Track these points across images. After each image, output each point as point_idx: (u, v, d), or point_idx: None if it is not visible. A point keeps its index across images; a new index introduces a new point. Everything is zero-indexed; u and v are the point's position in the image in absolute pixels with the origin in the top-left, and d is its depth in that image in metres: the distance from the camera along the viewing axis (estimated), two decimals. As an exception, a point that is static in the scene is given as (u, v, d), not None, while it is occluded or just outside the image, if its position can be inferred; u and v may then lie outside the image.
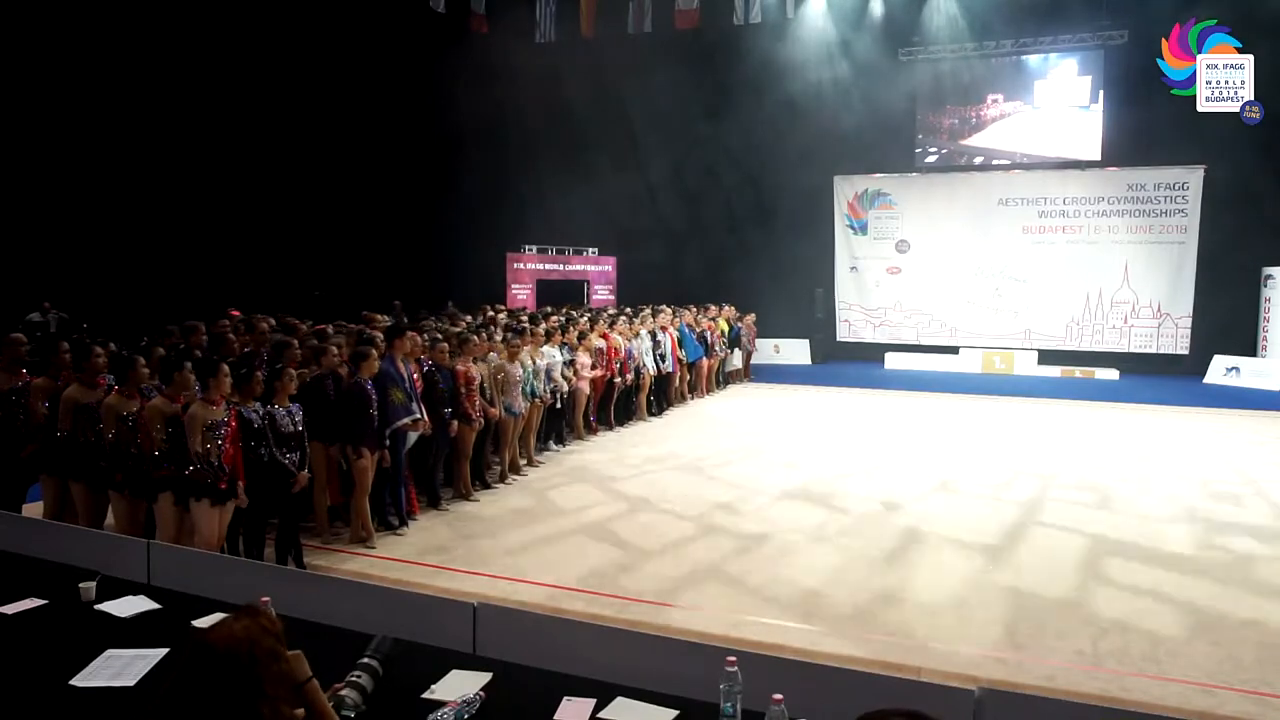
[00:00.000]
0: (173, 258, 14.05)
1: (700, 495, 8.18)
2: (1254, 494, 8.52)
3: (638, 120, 18.85)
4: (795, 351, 19.93)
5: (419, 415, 6.93)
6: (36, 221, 13.61)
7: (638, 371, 11.90)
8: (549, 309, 13.07)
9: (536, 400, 9.12)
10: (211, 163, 15.32)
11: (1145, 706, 3.78)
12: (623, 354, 11.40)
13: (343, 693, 2.52)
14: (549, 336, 9.78)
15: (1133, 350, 18.30)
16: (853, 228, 20.55)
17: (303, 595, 3.29)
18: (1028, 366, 18.46)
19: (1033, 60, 18.87)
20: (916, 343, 19.88)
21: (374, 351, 6.68)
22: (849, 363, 19.61)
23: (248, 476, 5.33)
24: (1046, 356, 18.57)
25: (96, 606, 3.33)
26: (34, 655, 2.95)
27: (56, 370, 5.74)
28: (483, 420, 7.94)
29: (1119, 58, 17.84)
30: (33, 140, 13.49)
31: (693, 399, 14.17)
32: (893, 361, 19.47)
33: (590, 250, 19.29)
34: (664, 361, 12.59)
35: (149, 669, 2.80)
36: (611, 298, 18.98)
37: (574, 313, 12.58)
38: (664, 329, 12.81)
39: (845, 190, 20.50)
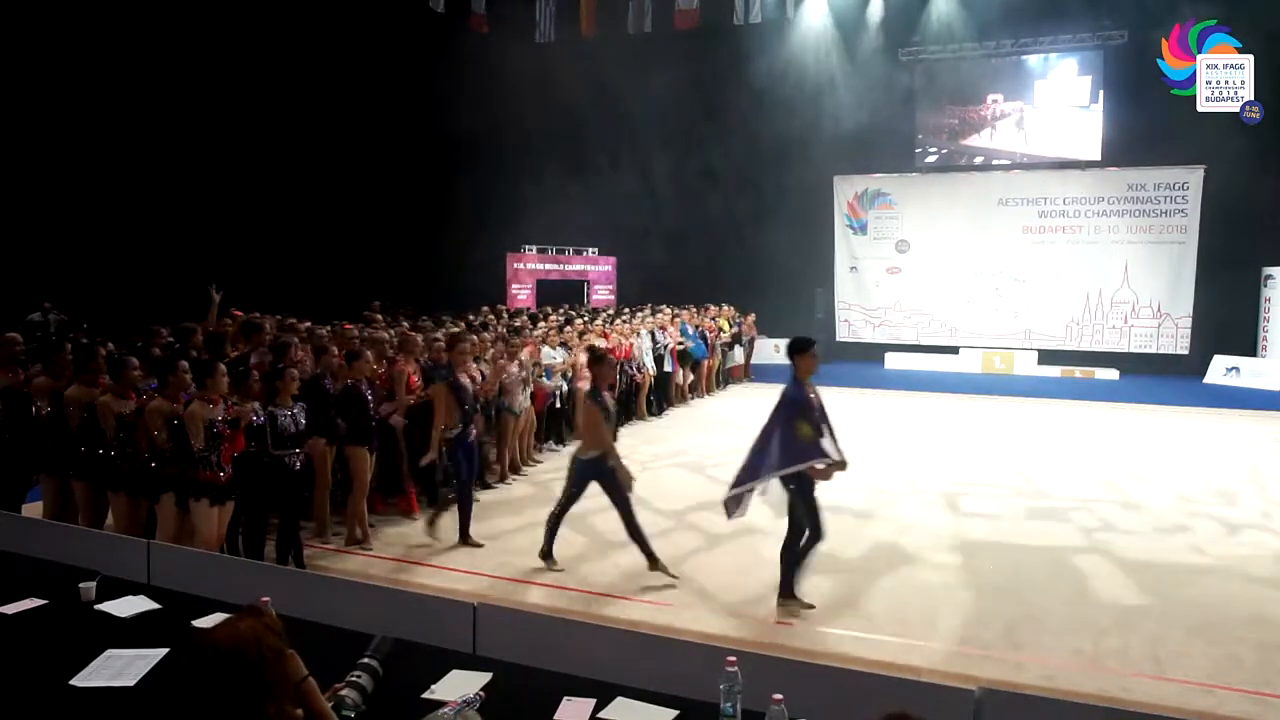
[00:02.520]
0: (173, 258, 14.04)
1: (701, 495, 8.17)
2: (1254, 494, 8.53)
3: (637, 120, 18.83)
4: (795, 351, 19.88)
5: (838, 456, 5.18)
6: (36, 221, 13.59)
7: (638, 369, 11.90)
8: (549, 309, 13.07)
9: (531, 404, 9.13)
10: (211, 163, 15.29)
11: (1145, 706, 3.78)
12: (627, 348, 11.40)
13: (343, 693, 2.52)
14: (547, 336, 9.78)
15: (1133, 350, 18.30)
16: (853, 228, 20.54)
17: (303, 595, 3.28)
18: (1028, 366, 18.46)
19: (1033, 60, 18.87)
20: (916, 343, 19.88)
21: (369, 352, 6.66)
22: (849, 363, 19.57)
23: (249, 477, 5.33)
24: (1046, 356, 18.57)
25: (96, 606, 3.33)
26: (34, 655, 2.94)
27: (58, 370, 5.74)
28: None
29: (1119, 58, 17.84)
30: (32, 140, 13.47)
31: (693, 399, 14.17)
32: (893, 361, 19.48)
33: (590, 250, 19.28)
34: (663, 362, 12.58)
35: (149, 669, 2.80)
36: (611, 298, 18.97)
37: (574, 312, 12.58)
38: (664, 329, 12.81)
39: (845, 190, 20.49)
